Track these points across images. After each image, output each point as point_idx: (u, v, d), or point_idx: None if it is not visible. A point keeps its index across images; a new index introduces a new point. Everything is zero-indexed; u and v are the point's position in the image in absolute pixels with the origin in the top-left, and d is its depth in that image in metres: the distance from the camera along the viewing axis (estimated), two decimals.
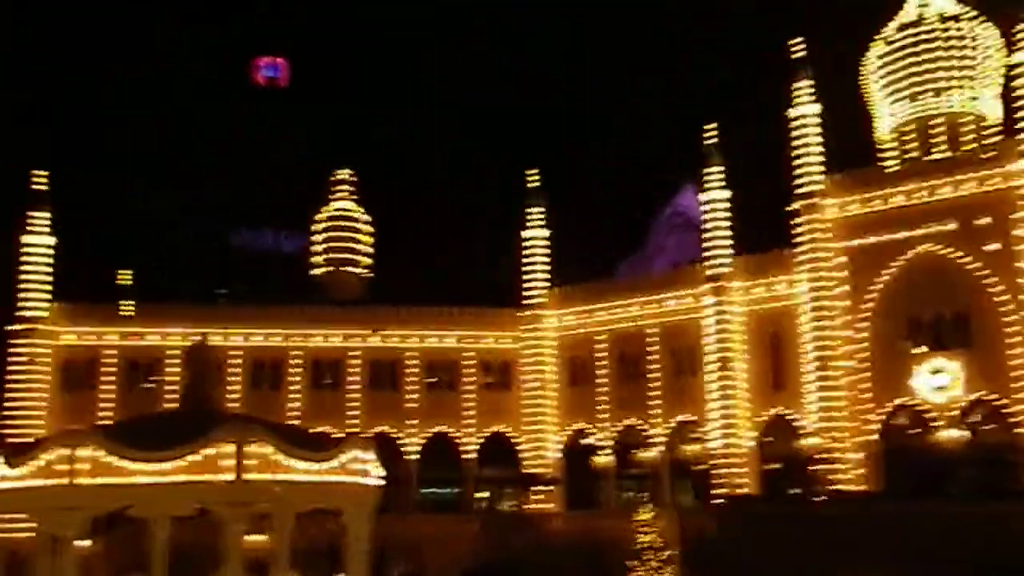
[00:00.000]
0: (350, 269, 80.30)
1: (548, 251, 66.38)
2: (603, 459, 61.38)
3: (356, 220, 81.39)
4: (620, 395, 61.71)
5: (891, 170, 56.59)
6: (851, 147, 58.24)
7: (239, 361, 63.24)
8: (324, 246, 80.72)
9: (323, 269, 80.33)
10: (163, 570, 20.86)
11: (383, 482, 25.60)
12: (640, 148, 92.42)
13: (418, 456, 63.71)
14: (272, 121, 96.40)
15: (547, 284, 66.01)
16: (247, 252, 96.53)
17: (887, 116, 59.23)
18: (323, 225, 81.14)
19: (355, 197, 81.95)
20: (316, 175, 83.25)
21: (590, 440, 62.30)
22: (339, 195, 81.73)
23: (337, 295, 76.11)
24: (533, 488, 62.35)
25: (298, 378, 64.26)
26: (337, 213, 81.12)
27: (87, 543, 25.75)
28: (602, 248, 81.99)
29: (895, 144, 58.78)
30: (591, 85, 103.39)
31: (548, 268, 66.29)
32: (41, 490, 20.89)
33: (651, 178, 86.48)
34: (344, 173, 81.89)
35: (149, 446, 20.58)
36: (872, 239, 53.33)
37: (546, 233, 66.53)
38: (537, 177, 66.76)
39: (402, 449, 62.96)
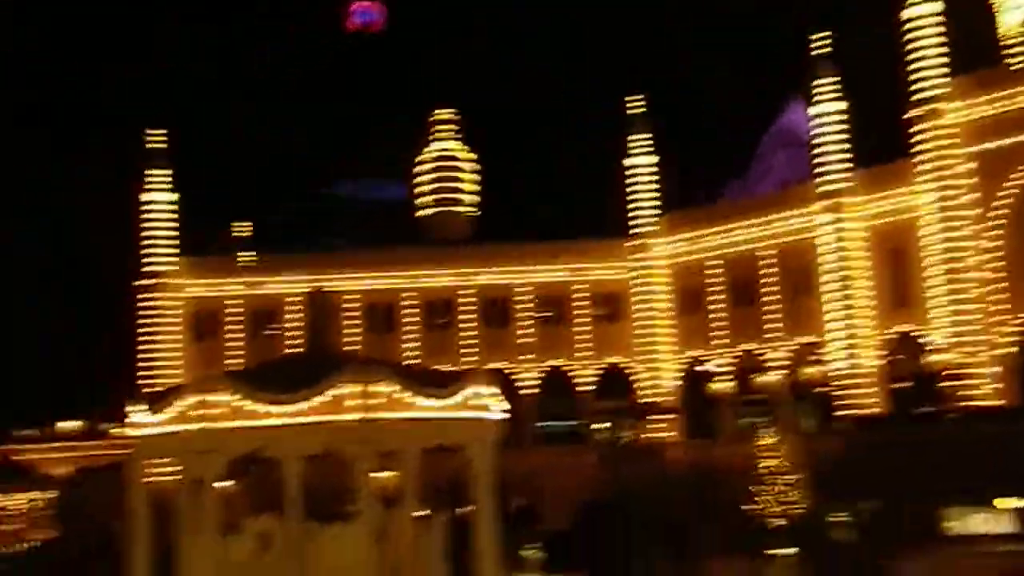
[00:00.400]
0: (456, 208, 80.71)
1: (654, 178, 65.15)
2: (721, 385, 60.67)
3: (458, 159, 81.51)
4: (735, 320, 60.58)
5: (1018, 67, 53.02)
6: (975, 46, 54.70)
7: (355, 306, 64.67)
8: (429, 187, 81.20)
9: (429, 210, 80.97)
10: (298, 507, 21.61)
11: (505, 416, 25.82)
12: (744, 66, 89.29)
13: (534, 391, 64.27)
14: (369, 71, 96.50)
15: (655, 212, 64.93)
16: (352, 203, 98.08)
17: (1013, 9, 55.39)
18: (427, 167, 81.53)
19: (458, 136, 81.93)
20: (416, 120, 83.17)
21: (707, 367, 61.60)
22: (441, 135, 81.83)
23: (444, 235, 76.74)
24: (651, 418, 62.22)
25: (412, 319, 65.33)
26: (440, 153, 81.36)
27: (227, 483, 26.89)
28: (707, 173, 79.93)
29: (1022, 39, 55.01)
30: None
31: (655, 196, 65.13)
32: (181, 435, 21.82)
33: (756, 97, 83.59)
34: (445, 113, 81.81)
35: (279, 390, 21.20)
36: (1001, 142, 50.18)
37: (652, 160, 65.23)
38: (641, 103, 65.30)
39: (518, 384, 63.57)
